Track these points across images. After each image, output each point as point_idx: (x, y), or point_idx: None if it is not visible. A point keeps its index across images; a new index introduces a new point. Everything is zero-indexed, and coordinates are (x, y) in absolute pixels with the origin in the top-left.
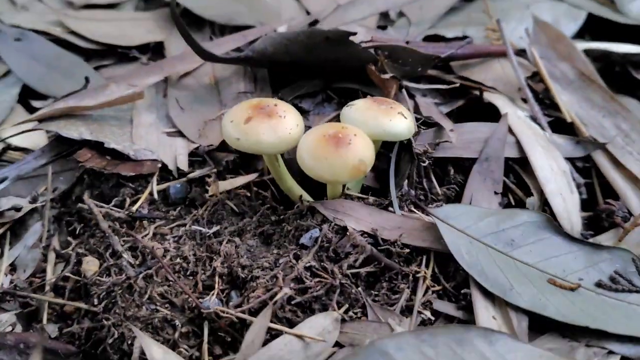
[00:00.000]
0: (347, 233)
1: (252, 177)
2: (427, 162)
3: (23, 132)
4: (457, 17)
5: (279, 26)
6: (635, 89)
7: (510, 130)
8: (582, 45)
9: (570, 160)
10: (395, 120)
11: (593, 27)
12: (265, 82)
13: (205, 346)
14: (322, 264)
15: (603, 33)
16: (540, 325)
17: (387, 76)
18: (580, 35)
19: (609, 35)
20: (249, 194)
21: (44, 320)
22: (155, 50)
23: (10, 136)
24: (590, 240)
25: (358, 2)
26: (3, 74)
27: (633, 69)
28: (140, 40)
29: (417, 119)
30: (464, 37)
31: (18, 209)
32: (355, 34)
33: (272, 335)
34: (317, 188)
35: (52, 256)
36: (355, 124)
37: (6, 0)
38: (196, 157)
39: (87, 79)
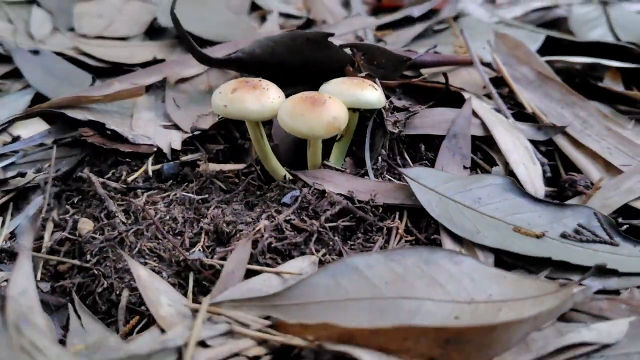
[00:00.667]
0: (325, 194)
1: (240, 166)
2: (398, 130)
3: (29, 115)
4: (428, 40)
5: None
6: (596, 96)
7: (476, 115)
8: (544, 58)
9: (534, 143)
10: (366, 90)
11: (551, 48)
12: None
13: (190, 295)
14: (301, 218)
15: (561, 51)
16: (506, 264)
17: (362, 75)
18: (541, 53)
19: (566, 53)
20: (236, 179)
21: (38, 277)
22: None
23: (17, 117)
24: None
25: (339, 24)
26: (20, 88)
27: (591, 78)
28: (145, 59)
29: (390, 105)
30: (436, 53)
31: (23, 175)
32: (333, 34)
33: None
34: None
35: (50, 225)
36: (330, 93)
37: (25, 34)
38: (189, 147)
39: (93, 78)
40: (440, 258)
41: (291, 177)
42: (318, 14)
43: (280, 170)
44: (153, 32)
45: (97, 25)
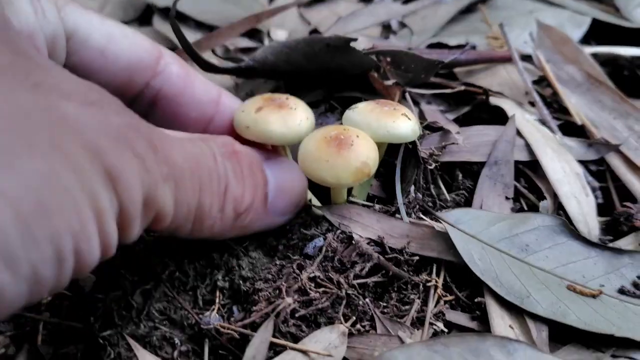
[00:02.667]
0: (353, 241)
1: None
2: (433, 165)
3: None
4: (459, 27)
5: (278, 30)
6: None
7: (519, 134)
8: (589, 49)
9: (584, 163)
10: (399, 121)
11: (598, 33)
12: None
13: None
14: (327, 274)
15: (608, 38)
16: (562, 335)
17: (389, 83)
18: (586, 41)
19: (615, 40)
20: None
21: (39, 341)
22: None
23: None
24: (610, 245)
25: (359, 13)
26: None
27: None
28: None
29: (421, 123)
30: (467, 45)
31: None
32: (356, 40)
33: (275, 351)
34: (326, 193)
35: None
36: (357, 126)
37: None
38: None
39: None
40: (489, 347)
41: (314, 205)
42: None
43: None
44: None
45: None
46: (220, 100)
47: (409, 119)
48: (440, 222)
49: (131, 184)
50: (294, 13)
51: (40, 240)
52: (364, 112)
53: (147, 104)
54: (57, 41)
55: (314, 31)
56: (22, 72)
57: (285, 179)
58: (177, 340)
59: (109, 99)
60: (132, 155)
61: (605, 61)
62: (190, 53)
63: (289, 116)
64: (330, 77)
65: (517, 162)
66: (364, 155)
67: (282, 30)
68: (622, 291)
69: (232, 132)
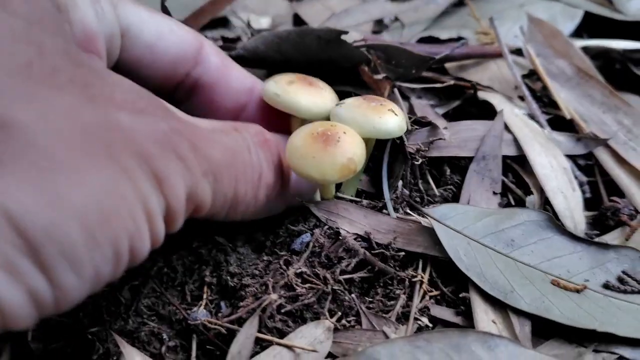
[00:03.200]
0: (340, 237)
1: None
2: (420, 161)
3: None
4: (451, 20)
5: (262, 17)
6: (636, 86)
7: (508, 128)
8: (581, 43)
9: (572, 158)
10: (385, 117)
11: (590, 26)
12: None
13: None
14: (313, 269)
15: (601, 31)
16: (545, 330)
17: (379, 77)
18: (578, 34)
19: (607, 33)
20: None
21: (29, 337)
22: None
23: None
24: (596, 239)
25: (352, 10)
26: None
27: (634, 66)
28: None
29: (409, 118)
30: (459, 39)
31: None
32: (347, 33)
33: (262, 346)
34: None
35: None
36: (344, 122)
37: None
38: None
39: None
40: (471, 342)
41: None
42: None
43: None
44: None
45: None
46: (254, 89)
47: (395, 114)
48: (427, 218)
49: (175, 184)
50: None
51: (102, 244)
52: (351, 107)
53: (186, 91)
54: (114, 40)
55: (298, 18)
56: (81, 85)
57: None
58: (165, 336)
59: (155, 103)
60: (176, 157)
61: (596, 54)
62: None
63: (317, 93)
64: (320, 69)
65: (505, 157)
66: (350, 151)
67: (265, 18)
68: (606, 286)
69: (263, 119)
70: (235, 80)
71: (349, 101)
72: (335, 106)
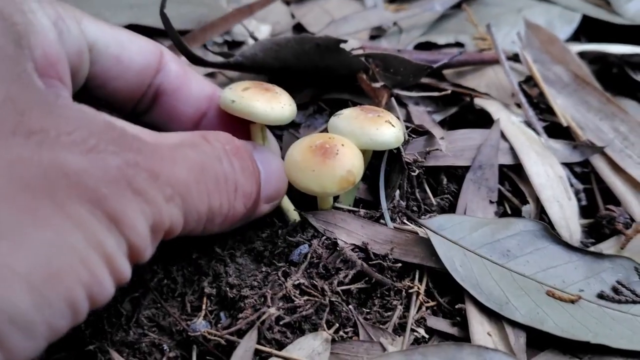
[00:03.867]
0: (338, 248)
1: None
2: (417, 171)
3: None
4: (448, 25)
5: (261, 25)
6: (633, 91)
7: (504, 136)
8: (578, 47)
9: (568, 165)
10: (382, 128)
11: (588, 29)
12: None
13: None
14: (311, 281)
15: (599, 35)
16: (539, 341)
17: (377, 85)
18: (576, 37)
19: (605, 36)
20: None
21: None
22: None
23: None
24: (591, 248)
25: (350, 17)
26: None
27: (631, 70)
28: None
29: (407, 127)
30: (457, 44)
31: None
32: (346, 41)
33: (261, 357)
34: (312, 198)
35: None
36: (342, 133)
37: None
38: None
39: None
40: (466, 356)
41: (299, 211)
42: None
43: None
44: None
45: None
46: (214, 95)
47: (393, 125)
48: (424, 229)
49: (135, 221)
50: (278, 6)
51: (53, 301)
52: (348, 118)
53: (149, 101)
54: (83, 55)
55: (299, 25)
56: (25, 134)
57: (271, 168)
58: (165, 347)
59: (109, 135)
60: (132, 192)
61: (594, 59)
62: (180, 47)
63: (273, 98)
64: (319, 77)
65: (501, 166)
66: (349, 164)
67: (266, 25)
68: (601, 296)
69: (224, 127)
70: (196, 86)
71: (347, 112)
72: (332, 116)
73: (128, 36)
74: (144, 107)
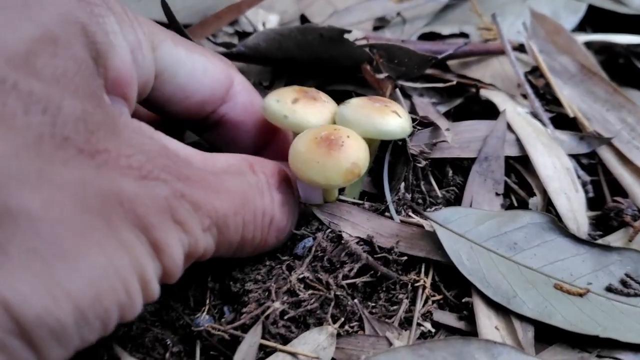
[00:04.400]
0: (342, 241)
1: None
2: (423, 163)
3: None
4: (453, 15)
5: (270, 15)
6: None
7: (510, 128)
8: (584, 37)
9: (575, 157)
10: (388, 118)
11: (594, 19)
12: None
13: None
14: (316, 274)
15: (605, 25)
16: (548, 335)
17: (382, 76)
18: (582, 27)
19: (611, 26)
20: None
21: None
22: None
23: None
24: (599, 240)
25: (353, 8)
26: None
27: (637, 61)
28: None
29: (412, 120)
30: (461, 34)
31: None
32: (349, 31)
33: (265, 352)
34: None
35: None
36: (348, 121)
37: None
38: None
39: None
40: (474, 350)
41: (304, 204)
42: None
43: None
44: None
45: None
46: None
47: (399, 116)
48: (429, 222)
49: (173, 249)
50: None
51: (91, 320)
52: (355, 107)
53: (211, 124)
54: (148, 82)
55: (302, 16)
56: (91, 153)
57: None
58: (169, 341)
59: (162, 162)
60: (174, 222)
61: (600, 49)
62: (180, 35)
63: (323, 109)
64: (322, 67)
65: (508, 158)
66: (354, 155)
67: (274, 14)
68: (609, 289)
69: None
70: (262, 119)
71: (354, 101)
72: (339, 105)
73: (204, 65)
74: (206, 127)
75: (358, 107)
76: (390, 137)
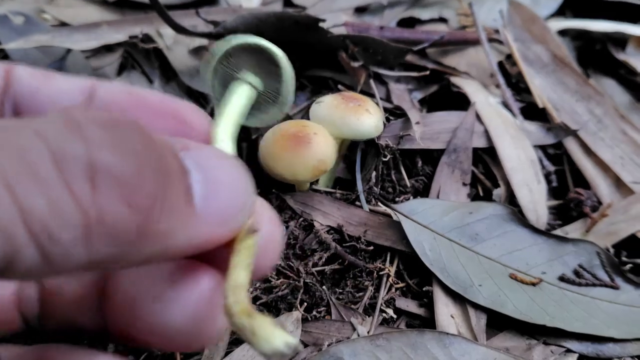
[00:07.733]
0: (314, 230)
1: None
2: (389, 156)
3: None
4: None
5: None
6: (615, 68)
7: (480, 119)
8: (561, 24)
9: (542, 147)
10: (363, 118)
11: (574, 4)
12: None
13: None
14: (288, 262)
15: (585, 9)
16: (500, 322)
17: (356, 64)
18: (561, 12)
19: (591, 11)
20: None
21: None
22: None
23: None
24: (558, 230)
25: None
26: None
27: (613, 48)
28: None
29: (385, 110)
30: (440, 19)
31: None
32: (324, 20)
33: (237, 339)
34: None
35: None
36: (323, 121)
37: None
38: None
39: None
40: (427, 341)
41: (276, 193)
42: None
43: None
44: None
45: None
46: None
47: (371, 114)
48: (395, 212)
49: None
50: None
51: None
52: (329, 107)
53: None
54: None
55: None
56: None
57: (221, 174)
58: None
59: None
60: None
61: (577, 35)
62: (163, 17)
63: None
64: (299, 52)
65: (476, 149)
66: (321, 152)
67: None
68: (562, 279)
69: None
70: (63, 82)
71: (328, 100)
72: (313, 104)
73: None
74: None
75: (332, 106)
76: (365, 137)
